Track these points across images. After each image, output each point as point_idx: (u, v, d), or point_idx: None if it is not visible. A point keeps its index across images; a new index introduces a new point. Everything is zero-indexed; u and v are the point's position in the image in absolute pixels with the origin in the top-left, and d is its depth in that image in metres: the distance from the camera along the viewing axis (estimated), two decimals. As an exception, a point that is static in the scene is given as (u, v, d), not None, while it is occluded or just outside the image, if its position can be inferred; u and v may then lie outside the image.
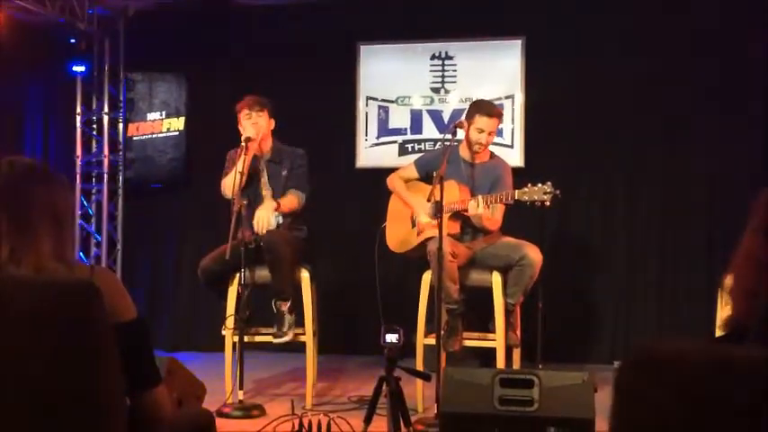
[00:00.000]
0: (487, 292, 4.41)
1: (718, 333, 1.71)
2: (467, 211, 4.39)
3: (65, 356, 1.71)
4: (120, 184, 6.64)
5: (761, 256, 1.48)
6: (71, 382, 1.72)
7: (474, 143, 4.46)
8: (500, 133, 5.89)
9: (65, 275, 1.79)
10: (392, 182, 4.72)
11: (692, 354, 1.24)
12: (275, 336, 4.47)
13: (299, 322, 4.58)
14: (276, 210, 4.51)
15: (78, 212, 6.57)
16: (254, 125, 4.52)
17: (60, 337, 1.72)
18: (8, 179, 1.83)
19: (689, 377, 1.21)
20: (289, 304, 4.47)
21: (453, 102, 6.06)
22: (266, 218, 4.44)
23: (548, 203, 4.17)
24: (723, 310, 1.77)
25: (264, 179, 4.64)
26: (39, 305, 1.73)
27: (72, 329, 1.72)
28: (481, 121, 4.43)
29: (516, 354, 4.62)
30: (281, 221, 4.59)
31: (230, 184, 4.42)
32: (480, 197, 4.27)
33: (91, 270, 1.87)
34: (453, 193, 4.35)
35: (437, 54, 6.11)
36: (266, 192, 4.63)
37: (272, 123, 4.64)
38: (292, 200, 4.56)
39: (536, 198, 4.17)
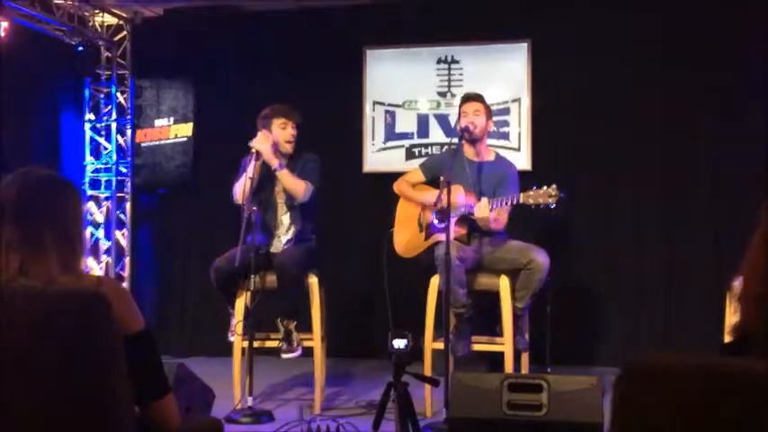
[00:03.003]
0: (495, 296, 4.40)
1: (727, 339, 1.70)
2: (473, 213, 4.39)
3: (73, 367, 1.72)
4: (129, 190, 6.67)
5: None
6: (79, 392, 1.73)
7: (470, 130, 4.47)
8: (507, 136, 5.90)
9: (74, 286, 1.80)
10: (399, 186, 4.73)
11: (681, 365, 1.26)
12: (285, 351, 4.47)
13: (307, 327, 4.59)
14: (280, 168, 4.50)
15: (88, 219, 6.59)
16: (291, 136, 4.59)
17: (69, 347, 1.73)
18: (20, 191, 1.84)
19: (678, 387, 1.23)
20: (295, 323, 4.49)
21: (460, 106, 6.05)
22: (266, 147, 4.45)
23: (553, 206, 4.16)
24: (732, 316, 1.77)
25: (279, 188, 4.64)
26: (48, 316, 1.74)
27: (80, 340, 1.73)
28: (464, 107, 4.54)
29: (525, 358, 4.61)
30: (290, 237, 4.61)
31: (241, 188, 4.44)
32: (485, 199, 4.27)
33: (99, 281, 1.88)
34: (460, 197, 4.35)
35: (443, 58, 6.12)
36: (280, 200, 4.64)
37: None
38: (299, 183, 4.55)
39: (541, 201, 4.16)
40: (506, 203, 4.29)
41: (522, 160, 5.82)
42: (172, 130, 6.48)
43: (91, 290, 1.79)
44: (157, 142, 6.51)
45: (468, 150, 4.58)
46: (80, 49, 6.58)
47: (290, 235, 4.64)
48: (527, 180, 4.60)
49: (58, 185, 1.89)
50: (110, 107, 6.69)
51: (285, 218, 4.66)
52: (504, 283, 4.38)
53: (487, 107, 4.61)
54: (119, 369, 1.76)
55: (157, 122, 6.52)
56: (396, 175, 4.90)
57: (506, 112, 5.95)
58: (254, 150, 4.45)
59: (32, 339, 1.75)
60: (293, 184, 4.53)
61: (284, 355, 4.49)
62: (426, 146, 6.12)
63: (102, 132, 6.74)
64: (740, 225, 1.76)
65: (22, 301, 1.76)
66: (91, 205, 6.67)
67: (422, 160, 5.20)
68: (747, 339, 1.54)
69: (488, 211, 4.25)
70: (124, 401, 1.79)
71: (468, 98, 4.60)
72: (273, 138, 4.55)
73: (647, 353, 1.40)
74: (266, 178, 4.57)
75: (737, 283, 1.66)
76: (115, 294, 1.81)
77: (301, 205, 4.61)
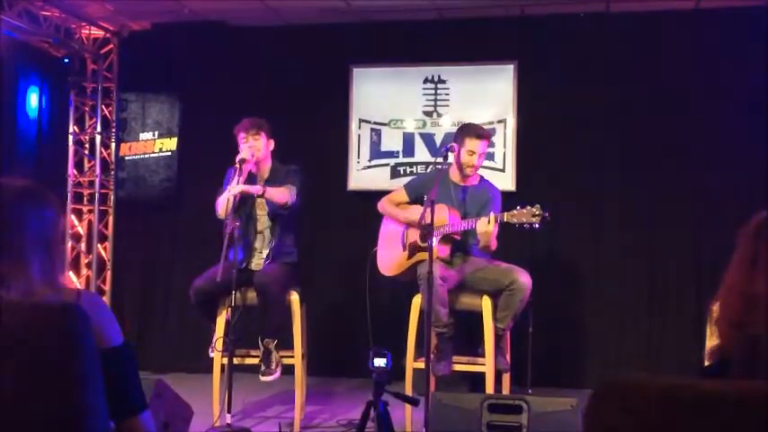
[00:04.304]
0: (477, 316, 4.40)
1: (707, 362, 1.71)
2: (457, 234, 4.40)
3: (50, 381, 1.70)
4: (112, 203, 6.64)
5: (745, 288, 1.49)
6: (56, 406, 1.70)
7: (465, 166, 4.49)
8: (492, 157, 5.92)
9: (52, 300, 1.78)
10: (382, 206, 4.73)
11: (653, 386, 1.26)
12: (264, 373, 4.44)
13: (289, 344, 4.56)
14: (261, 195, 4.48)
15: (69, 232, 6.56)
16: (251, 148, 4.53)
17: (45, 361, 1.70)
18: (0, 201, 1.82)
19: (650, 408, 1.24)
20: (276, 341, 4.47)
21: (445, 125, 6.08)
22: (237, 188, 4.38)
23: (537, 226, 4.18)
24: (710, 339, 1.78)
25: (260, 201, 4.64)
26: (26, 329, 1.72)
27: (57, 354, 1.71)
28: (471, 143, 4.47)
29: (506, 378, 4.61)
30: (272, 245, 4.59)
31: (224, 204, 4.43)
32: (492, 215, 4.26)
33: (78, 294, 1.86)
34: (444, 216, 4.36)
35: (430, 78, 6.15)
36: (261, 212, 4.63)
37: (272, 144, 4.66)
38: (283, 191, 4.53)
39: (525, 220, 4.18)
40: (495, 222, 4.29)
41: (507, 181, 5.85)
42: (156, 144, 6.46)
43: (69, 303, 1.77)
44: (142, 156, 6.49)
45: (455, 173, 4.59)
46: (66, 61, 6.57)
47: (269, 248, 4.62)
48: (511, 201, 4.61)
49: (38, 195, 1.86)
50: (94, 120, 6.67)
51: (266, 231, 4.65)
52: (485, 304, 4.39)
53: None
54: (95, 384, 1.74)
55: (142, 136, 6.50)
56: (380, 194, 4.90)
57: (492, 132, 5.97)
58: (237, 165, 4.44)
59: (9, 353, 1.73)
60: (278, 195, 4.52)
61: (263, 378, 4.45)
62: (412, 165, 6.14)
63: (86, 145, 6.72)
64: (722, 248, 1.77)
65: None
66: (73, 219, 6.64)
67: (407, 179, 5.21)
68: (726, 362, 1.55)
69: (492, 226, 4.22)
70: (100, 417, 1.76)
71: (481, 135, 4.52)
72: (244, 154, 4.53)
73: (618, 374, 1.42)
74: (248, 193, 4.56)
75: (715, 307, 1.68)
76: (95, 308, 1.79)
77: (282, 218, 4.60)
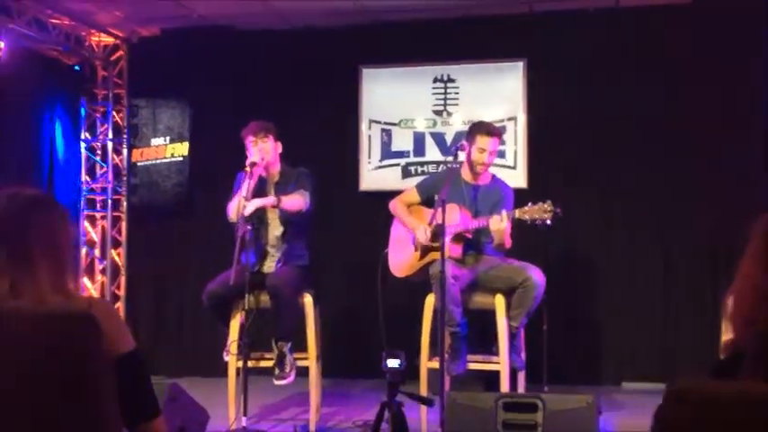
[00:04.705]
0: (491, 314, 4.39)
1: (722, 356, 1.71)
2: (469, 233, 4.39)
3: (63, 388, 1.72)
4: (125, 209, 6.66)
5: (758, 284, 1.48)
6: (69, 413, 1.71)
7: (476, 163, 4.48)
8: (503, 155, 5.90)
9: (63, 307, 1.79)
10: (394, 206, 4.72)
11: (729, 392, 1.25)
12: (278, 377, 4.44)
13: (303, 346, 4.56)
14: (276, 206, 4.49)
15: (83, 238, 6.59)
16: (260, 151, 4.53)
17: (58, 368, 1.72)
18: (9, 211, 1.83)
19: (719, 412, 1.22)
20: (290, 344, 4.47)
21: (456, 124, 6.07)
22: (252, 204, 4.35)
23: (549, 222, 4.16)
24: (725, 334, 1.77)
25: None
26: (38, 337, 1.73)
27: (70, 361, 1.72)
28: (482, 140, 4.46)
29: (521, 377, 4.59)
30: (284, 248, 4.59)
31: (235, 207, 4.43)
32: (504, 212, 4.25)
33: (89, 302, 1.87)
34: (455, 215, 4.35)
35: (439, 77, 6.14)
36: (272, 215, 4.63)
37: (279, 147, 4.65)
38: (297, 198, 4.52)
39: (536, 217, 4.16)
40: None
41: (519, 178, 5.83)
42: (168, 150, 6.48)
43: (80, 311, 1.78)
44: (153, 161, 6.51)
45: (466, 172, 4.57)
46: (77, 68, 6.60)
47: (281, 252, 4.62)
48: (523, 198, 4.59)
49: (45, 205, 1.88)
50: (106, 126, 6.70)
51: (278, 235, 4.65)
52: (498, 302, 4.37)
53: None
54: (107, 391, 1.75)
55: (153, 142, 6.53)
56: (392, 194, 4.90)
57: (502, 130, 5.95)
58: (248, 168, 4.44)
59: (21, 362, 1.74)
60: (292, 203, 4.51)
61: (276, 382, 4.45)
62: (423, 164, 6.13)
63: (98, 152, 6.75)
64: (736, 242, 1.76)
65: (11, 323, 1.76)
66: (86, 225, 6.67)
67: (418, 179, 5.20)
68: (739, 358, 1.54)
69: (506, 223, 4.20)
70: (112, 423, 1.77)
71: (492, 132, 4.52)
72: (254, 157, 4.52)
73: (681, 378, 1.41)
74: (259, 196, 4.56)
75: (729, 301, 1.67)
76: (105, 315, 1.80)
77: (294, 221, 4.60)
